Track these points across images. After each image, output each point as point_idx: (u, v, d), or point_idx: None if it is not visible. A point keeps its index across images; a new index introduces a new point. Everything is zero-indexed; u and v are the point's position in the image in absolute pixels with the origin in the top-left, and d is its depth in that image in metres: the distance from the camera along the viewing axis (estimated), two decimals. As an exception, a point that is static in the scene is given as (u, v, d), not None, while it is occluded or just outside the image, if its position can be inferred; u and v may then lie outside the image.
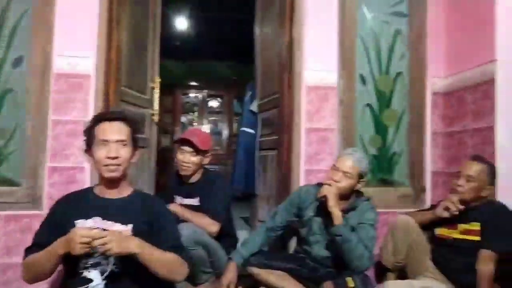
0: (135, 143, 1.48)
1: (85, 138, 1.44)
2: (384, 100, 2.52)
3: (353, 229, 1.81)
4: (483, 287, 1.72)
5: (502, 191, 2.00)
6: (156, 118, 2.73)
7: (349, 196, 1.93)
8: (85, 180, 2.12)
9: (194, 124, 6.58)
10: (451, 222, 1.90)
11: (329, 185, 1.83)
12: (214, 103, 6.69)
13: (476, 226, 1.84)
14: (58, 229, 1.34)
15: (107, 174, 1.40)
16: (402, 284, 1.92)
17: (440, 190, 2.49)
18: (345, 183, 1.86)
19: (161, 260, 1.34)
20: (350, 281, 1.72)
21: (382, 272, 2.10)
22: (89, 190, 1.51)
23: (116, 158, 1.38)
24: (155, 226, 1.43)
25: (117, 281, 1.35)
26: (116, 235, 1.26)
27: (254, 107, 3.29)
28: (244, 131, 3.55)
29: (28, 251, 1.40)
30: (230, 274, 1.95)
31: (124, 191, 1.48)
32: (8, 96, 2.11)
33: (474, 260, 1.77)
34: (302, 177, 2.36)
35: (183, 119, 6.58)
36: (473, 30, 2.31)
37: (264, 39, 3.03)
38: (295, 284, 1.91)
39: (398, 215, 2.04)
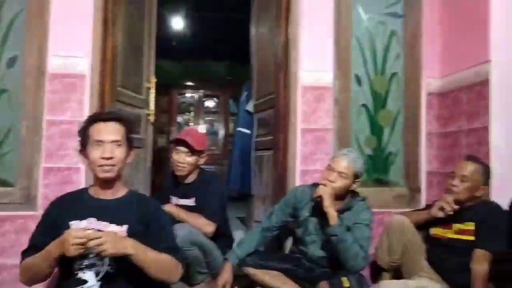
0: (130, 143, 1.47)
1: (79, 138, 1.44)
2: (380, 100, 2.53)
3: (348, 229, 1.81)
4: (477, 286, 1.73)
5: (496, 191, 2.01)
6: (152, 118, 2.72)
7: (345, 196, 1.94)
8: (80, 180, 2.12)
9: (190, 124, 6.57)
10: (446, 222, 1.91)
11: (325, 185, 1.84)
12: (210, 103, 6.69)
13: (470, 226, 1.85)
14: (53, 230, 1.33)
15: (102, 175, 1.39)
16: (397, 284, 1.92)
17: (435, 190, 2.50)
18: (340, 183, 1.87)
19: (155, 262, 1.34)
20: (345, 281, 1.73)
21: (377, 272, 2.11)
22: (84, 191, 1.51)
23: (110, 158, 1.38)
24: (150, 227, 1.42)
25: (112, 282, 1.34)
26: (111, 236, 1.26)
27: (250, 107, 3.29)
28: (240, 131, 3.55)
29: (25, 254, 1.39)
30: (226, 275, 1.95)
31: (119, 192, 1.47)
32: (2, 96, 2.10)
33: (469, 260, 1.78)
34: (298, 177, 2.36)
35: (179, 119, 6.57)
36: (468, 31, 2.33)
37: (260, 39, 3.03)
38: (291, 284, 1.90)
39: (394, 215, 2.05)
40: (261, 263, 1.94)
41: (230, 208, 2.39)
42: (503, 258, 1.76)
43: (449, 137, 2.46)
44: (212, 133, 6.42)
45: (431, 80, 2.56)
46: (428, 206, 2.11)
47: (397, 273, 2.02)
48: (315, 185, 1.92)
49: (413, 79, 2.55)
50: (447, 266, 1.88)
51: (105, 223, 1.37)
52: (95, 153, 1.38)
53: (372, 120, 2.52)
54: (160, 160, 4.37)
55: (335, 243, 1.77)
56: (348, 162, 1.88)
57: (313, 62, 2.40)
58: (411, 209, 2.26)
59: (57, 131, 2.12)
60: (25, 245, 1.43)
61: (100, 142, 1.38)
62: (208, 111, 6.66)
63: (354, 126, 2.47)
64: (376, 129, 2.53)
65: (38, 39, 2.12)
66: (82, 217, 1.37)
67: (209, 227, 2.05)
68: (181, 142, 2.15)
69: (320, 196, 1.81)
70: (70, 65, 2.14)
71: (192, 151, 2.14)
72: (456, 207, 1.86)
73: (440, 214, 1.90)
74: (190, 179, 2.22)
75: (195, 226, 2.01)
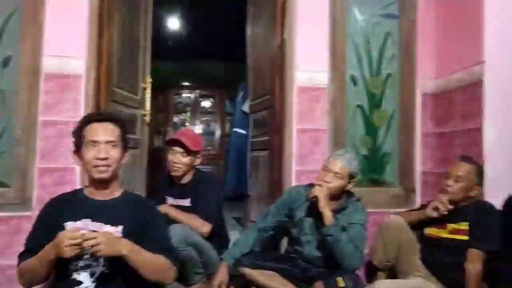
0: (125, 144, 1.47)
1: (74, 139, 1.43)
2: (375, 100, 2.54)
3: (344, 229, 1.82)
4: (471, 286, 1.74)
5: (490, 191, 2.02)
6: (147, 118, 2.72)
7: (340, 196, 1.95)
8: (76, 181, 2.11)
9: (187, 124, 6.56)
10: (440, 222, 1.92)
11: (320, 185, 1.85)
12: (206, 103, 6.68)
13: (464, 225, 1.86)
14: (48, 231, 1.32)
15: (97, 175, 1.39)
16: (392, 283, 1.93)
17: (429, 190, 2.52)
18: (335, 183, 1.87)
19: (149, 263, 1.34)
20: (340, 281, 1.74)
21: (372, 272, 2.11)
22: (79, 191, 1.50)
23: (105, 159, 1.37)
24: (145, 228, 1.42)
25: (107, 283, 1.34)
26: (106, 236, 1.26)
27: (246, 107, 3.29)
28: (236, 131, 3.55)
29: (21, 257, 1.38)
30: (222, 275, 1.95)
31: (114, 192, 1.47)
32: (-4, 97, 2.09)
33: (463, 259, 1.79)
34: (293, 178, 2.37)
35: (176, 119, 6.55)
36: (462, 32, 2.34)
37: (255, 40, 3.03)
38: (287, 284, 1.91)
39: (389, 215, 2.06)
40: (257, 263, 1.94)
41: (226, 208, 2.40)
42: (497, 257, 1.77)
43: (443, 138, 2.47)
44: (208, 133, 6.41)
45: (426, 81, 2.57)
46: (423, 206, 2.12)
47: (392, 273, 2.03)
48: (311, 185, 1.92)
49: (408, 80, 2.56)
50: (441, 266, 1.89)
51: (100, 223, 1.37)
52: (90, 153, 1.37)
53: (367, 121, 2.53)
54: (156, 160, 4.36)
55: (330, 243, 1.78)
56: (343, 162, 1.89)
57: (309, 62, 2.40)
58: (406, 209, 2.26)
59: (52, 131, 2.11)
60: (20, 246, 1.42)
61: (95, 142, 1.38)
62: (204, 111, 6.65)
63: (349, 126, 2.48)
64: (371, 130, 2.54)
65: (33, 39, 2.10)
66: (77, 218, 1.37)
67: (204, 227, 2.06)
68: (177, 143, 2.15)
69: (316, 196, 1.82)
70: (65, 65, 2.13)
71: (188, 151, 2.14)
72: (450, 207, 1.88)
73: (435, 214, 1.91)
74: (186, 179, 2.22)
75: (190, 227, 2.01)
